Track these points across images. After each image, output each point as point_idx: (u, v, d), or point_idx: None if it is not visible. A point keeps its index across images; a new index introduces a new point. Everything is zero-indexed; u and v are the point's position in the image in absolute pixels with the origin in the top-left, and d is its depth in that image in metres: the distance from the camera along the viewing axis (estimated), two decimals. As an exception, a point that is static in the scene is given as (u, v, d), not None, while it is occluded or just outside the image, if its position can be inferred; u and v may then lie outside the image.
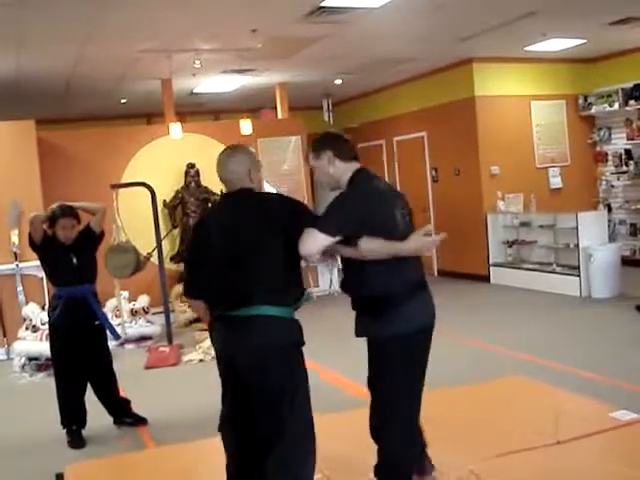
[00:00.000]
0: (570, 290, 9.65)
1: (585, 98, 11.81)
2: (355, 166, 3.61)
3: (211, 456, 4.60)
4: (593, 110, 11.69)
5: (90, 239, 5.66)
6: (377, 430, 3.62)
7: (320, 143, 3.65)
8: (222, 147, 11.23)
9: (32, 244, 5.53)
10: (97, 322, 5.63)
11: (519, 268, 10.76)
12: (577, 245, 9.63)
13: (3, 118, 9.31)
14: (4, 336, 8.72)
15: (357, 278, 3.51)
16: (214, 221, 3.57)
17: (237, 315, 3.36)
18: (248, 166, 3.52)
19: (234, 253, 3.40)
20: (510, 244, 11.06)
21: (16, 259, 8.68)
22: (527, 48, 10.24)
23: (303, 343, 3.46)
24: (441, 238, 3.53)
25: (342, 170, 3.59)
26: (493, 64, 11.09)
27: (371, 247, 3.36)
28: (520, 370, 6.11)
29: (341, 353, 7.36)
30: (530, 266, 10.66)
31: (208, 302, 3.57)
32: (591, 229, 9.65)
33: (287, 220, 3.41)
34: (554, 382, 5.60)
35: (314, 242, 3.32)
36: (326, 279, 11.42)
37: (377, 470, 3.69)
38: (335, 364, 6.96)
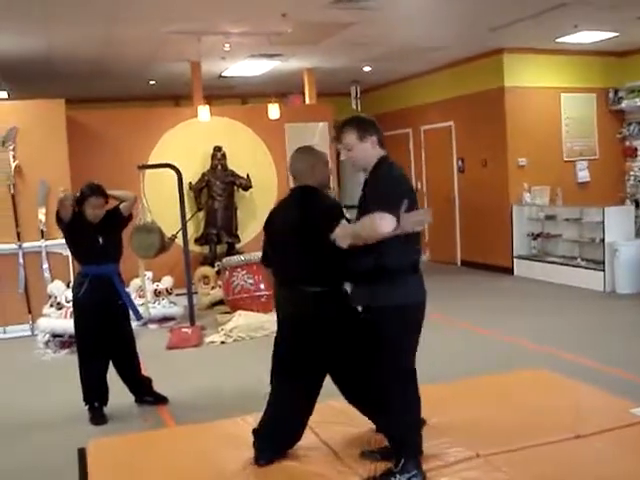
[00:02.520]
0: (594, 285, 9.59)
1: (615, 92, 11.68)
2: (381, 152, 3.88)
3: (230, 436, 4.64)
4: (623, 104, 11.56)
5: (117, 220, 5.73)
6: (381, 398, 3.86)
7: (367, 126, 3.86)
8: (249, 131, 11.28)
9: (60, 221, 5.57)
10: (120, 301, 5.68)
11: (543, 261, 10.70)
12: (602, 240, 9.56)
13: (34, 96, 9.38)
14: (29, 312, 8.82)
15: (372, 249, 3.64)
16: (276, 211, 4.28)
17: (286, 288, 4.11)
18: (307, 165, 4.12)
19: (284, 242, 4.11)
20: (535, 237, 11.00)
21: (42, 237, 8.77)
22: (558, 40, 10.14)
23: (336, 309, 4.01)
24: (425, 213, 3.83)
25: (376, 155, 3.84)
26: (524, 55, 10.99)
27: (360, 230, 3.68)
28: (541, 363, 6.09)
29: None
30: (554, 259, 10.59)
31: (273, 274, 4.30)
32: (617, 224, 9.58)
33: (322, 223, 3.85)
34: (575, 376, 5.58)
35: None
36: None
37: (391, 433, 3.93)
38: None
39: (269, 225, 4.27)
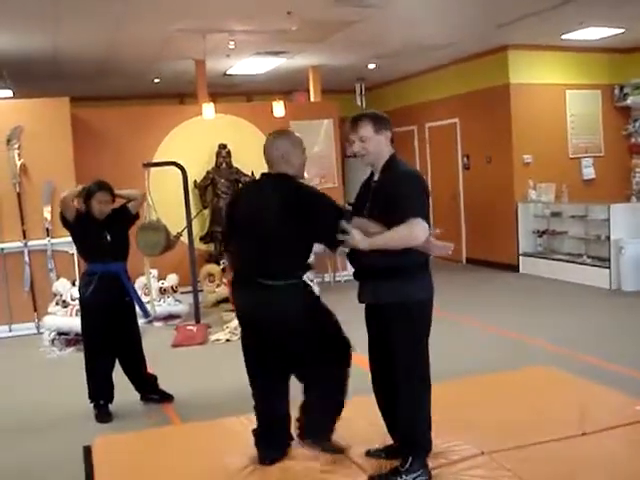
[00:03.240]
0: (600, 282, 9.58)
1: (621, 88, 11.65)
2: (392, 150, 3.90)
3: (235, 434, 4.64)
4: (629, 101, 11.53)
5: (124, 218, 5.75)
6: (402, 390, 3.82)
7: (383, 120, 3.89)
8: (254, 128, 11.28)
9: (64, 221, 5.59)
10: (127, 299, 5.69)
11: (549, 258, 10.68)
12: (608, 237, 9.54)
13: (39, 95, 9.39)
14: (34, 310, 8.84)
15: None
16: (243, 197, 4.17)
17: (252, 281, 3.88)
18: (284, 151, 3.92)
19: (250, 230, 3.90)
20: (540, 234, 10.99)
21: (48, 235, 8.79)
22: (564, 36, 10.11)
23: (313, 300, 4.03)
24: (450, 247, 3.79)
25: (386, 152, 3.86)
26: (529, 52, 10.97)
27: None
28: (547, 360, 6.08)
29: (363, 334, 7.38)
30: (560, 257, 10.57)
31: (231, 265, 4.15)
32: (623, 221, 9.56)
33: (301, 212, 3.80)
34: (581, 373, 5.57)
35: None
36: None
37: (401, 431, 3.94)
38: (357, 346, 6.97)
39: (233, 209, 4.10)
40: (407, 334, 3.75)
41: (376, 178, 3.91)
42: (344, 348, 4.09)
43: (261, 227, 3.86)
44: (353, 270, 3.95)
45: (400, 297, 3.71)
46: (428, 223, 3.65)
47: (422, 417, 3.86)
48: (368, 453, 4.14)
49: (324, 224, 3.79)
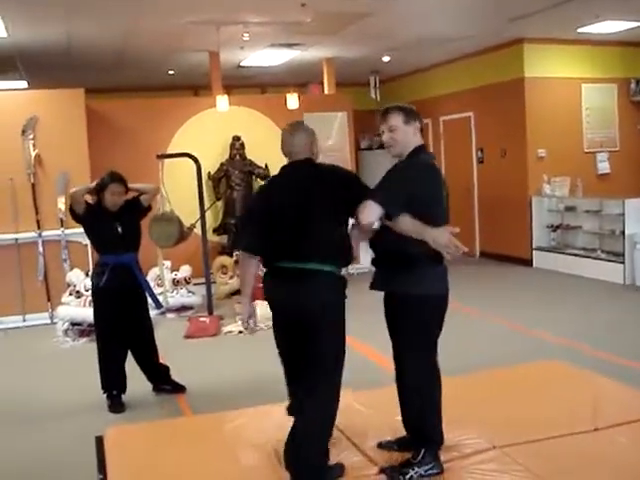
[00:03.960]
0: (614, 277, 9.54)
1: (637, 82, 11.57)
2: (421, 141, 3.95)
3: (247, 426, 4.65)
4: (645, 95, 11.47)
5: (136, 210, 5.76)
6: (409, 381, 3.87)
7: (412, 112, 3.95)
8: (268, 121, 11.28)
9: (74, 216, 5.62)
10: (140, 290, 5.71)
11: (563, 253, 10.64)
12: (623, 232, 9.49)
13: (53, 86, 9.42)
14: (48, 301, 8.88)
15: (400, 235, 3.68)
16: (276, 186, 4.02)
17: (290, 267, 3.78)
18: (307, 141, 3.95)
19: (292, 215, 3.79)
20: (554, 228, 10.94)
21: (62, 225, 8.82)
22: (580, 30, 10.04)
23: (344, 296, 3.88)
24: (463, 250, 3.60)
25: (413, 143, 3.88)
26: (544, 45, 10.90)
27: (405, 225, 3.65)
28: (559, 355, 6.07)
29: (377, 328, 7.38)
30: (574, 251, 10.53)
31: (264, 256, 3.92)
32: (638, 216, 9.48)
33: (340, 189, 3.82)
34: (594, 368, 5.55)
35: (370, 212, 3.63)
36: (368, 257, 11.39)
37: (412, 424, 3.96)
38: (371, 340, 6.97)
39: (269, 201, 3.91)
40: (417, 325, 3.78)
41: None
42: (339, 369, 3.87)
43: (301, 210, 3.78)
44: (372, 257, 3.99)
45: (412, 288, 3.73)
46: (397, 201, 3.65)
47: (432, 410, 3.87)
48: (380, 445, 4.14)
49: (358, 197, 3.71)
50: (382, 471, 3.87)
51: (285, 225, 3.79)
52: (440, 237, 3.55)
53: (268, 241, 3.82)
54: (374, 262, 3.96)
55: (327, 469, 3.83)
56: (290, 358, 3.94)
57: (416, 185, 3.71)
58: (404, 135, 3.85)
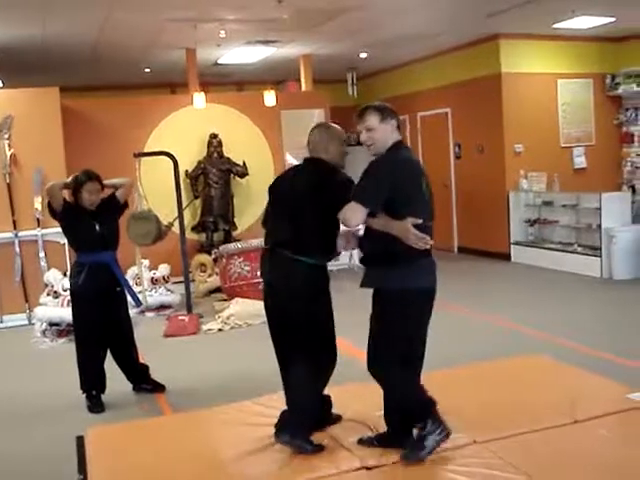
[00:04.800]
0: (591, 271, 9.61)
1: (612, 78, 11.67)
2: (399, 137, 4.02)
3: (227, 423, 4.64)
4: (620, 90, 11.55)
5: (113, 208, 5.72)
6: (386, 369, 3.93)
7: (388, 110, 4.01)
8: (246, 118, 11.22)
9: (52, 212, 5.57)
10: (119, 289, 5.68)
11: (540, 247, 10.71)
12: (599, 226, 9.57)
13: (28, 85, 9.34)
14: (26, 301, 8.82)
15: (384, 232, 3.77)
16: (282, 177, 4.45)
17: (272, 252, 4.16)
18: (322, 140, 4.23)
19: (284, 206, 4.16)
20: (532, 223, 11.00)
21: (39, 225, 8.76)
22: (555, 25, 10.10)
23: (318, 286, 4.16)
24: (427, 241, 3.77)
25: (393, 139, 3.96)
26: (520, 41, 10.97)
27: (374, 221, 3.79)
28: (538, 349, 6.10)
29: (355, 325, 7.39)
30: (551, 246, 10.60)
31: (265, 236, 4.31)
32: (614, 210, 9.58)
33: (328, 192, 4.02)
34: (572, 362, 5.58)
35: (353, 213, 3.75)
36: (346, 253, 11.41)
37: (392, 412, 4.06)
38: (349, 337, 6.98)
39: (274, 189, 4.33)
40: (395, 319, 3.84)
41: None
42: (328, 353, 4.21)
43: (291, 203, 4.12)
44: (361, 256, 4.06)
45: (396, 284, 3.80)
46: (398, 208, 3.74)
47: (412, 390, 3.95)
48: (360, 441, 4.15)
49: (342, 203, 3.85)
50: (401, 459, 3.89)
51: (274, 213, 4.26)
52: (402, 229, 3.69)
53: (266, 225, 4.30)
54: (362, 261, 4.01)
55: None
56: (275, 342, 4.27)
57: (394, 178, 3.78)
58: (382, 133, 3.92)
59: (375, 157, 3.92)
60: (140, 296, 7.81)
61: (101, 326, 5.58)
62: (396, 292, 3.81)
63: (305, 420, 4.10)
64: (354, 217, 3.75)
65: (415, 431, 3.95)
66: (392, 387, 3.97)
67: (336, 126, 4.44)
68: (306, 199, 4.07)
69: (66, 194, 5.62)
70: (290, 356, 4.16)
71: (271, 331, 4.29)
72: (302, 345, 4.10)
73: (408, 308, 3.84)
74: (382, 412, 4.10)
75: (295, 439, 4.01)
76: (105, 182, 5.67)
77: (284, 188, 4.25)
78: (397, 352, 3.87)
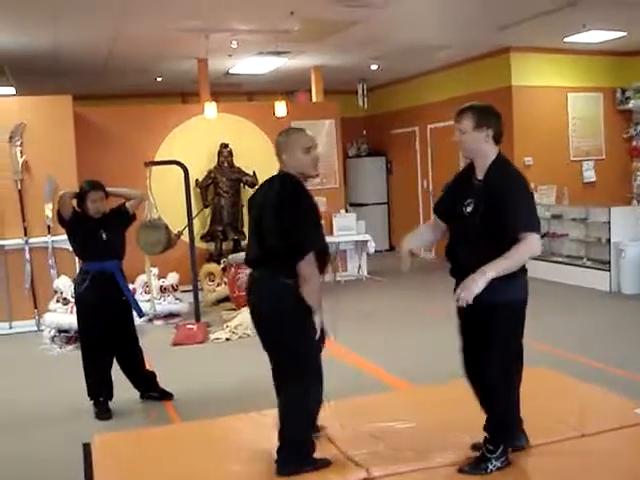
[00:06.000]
0: (600, 285, 9.59)
1: (623, 92, 11.67)
2: (496, 149, 3.78)
3: (235, 432, 4.65)
4: (630, 104, 11.54)
5: (122, 218, 5.76)
6: (494, 388, 3.83)
7: (487, 117, 3.76)
8: (256, 128, 11.29)
9: (61, 220, 5.63)
10: (124, 298, 5.70)
11: (549, 261, 10.67)
12: (609, 240, 9.55)
13: (41, 93, 9.41)
14: (35, 308, 8.85)
15: (492, 244, 3.63)
16: (259, 189, 4.22)
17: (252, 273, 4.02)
18: (279, 150, 4.08)
19: (250, 223, 4.08)
20: (541, 236, 10.96)
21: (49, 232, 8.80)
22: (566, 39, 10.12)
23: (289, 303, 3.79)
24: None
25: (488, 151, 3.76)
26: (531, 54, 10.98)
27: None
28: (545, 363, 6.08)
29: (365, 336, 7.41)
30: (560, 259, 10.58)
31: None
32: (623, 224, 9.57)
33: (274, 217, 3.77)
34: (580, 376, 5.57)
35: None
36: (355, 264, 11.44)
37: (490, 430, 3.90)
38: (359, 348, 6.99)
39: (249, 203, 4.20)
40: (507, 334, 3.75)
41: (480, 177, 3.81)
42: (313, 372, 3.93)
43: (253, 221, 4.00)
44: (450, 267, 3.93)
45: (502, 296, 3.65)
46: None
47: (511, 407, 3.89)
48: (475, 447, 4.09)
49: (289, 239, 3.72)
50: (460, 471, 3.85)
51: (249, 229, 4.15)
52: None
53: None
54: (453, 273, 3.90)
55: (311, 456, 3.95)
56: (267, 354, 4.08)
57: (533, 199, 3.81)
58: (472, 141, 3.76)
59: (507, 177, 3.71)
60: (148, 304, 7.87)
61: (105, 333, 5.59)
62: (508, 304, 3.70)
63: (303, 448, 3.96)
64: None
65: (484, 448, 3.87)
66: (498, 400, 3.87)
67: (299, 130, 4.17)
68: (267, 220, 3.81)
69: (75, 203, 5.66)
70: (278, 381, 4.04)
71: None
72: (286, 368, 3.95)
73: (520, 319, 3.81)
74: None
75: (302, 469, 3.90)
76: (111, 190, 5.71)
77: (254, 203, 4.06)
78: (505, 367, 3.80)
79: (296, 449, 3.93)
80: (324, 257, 3.87)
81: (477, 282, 3.51)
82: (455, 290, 3.72)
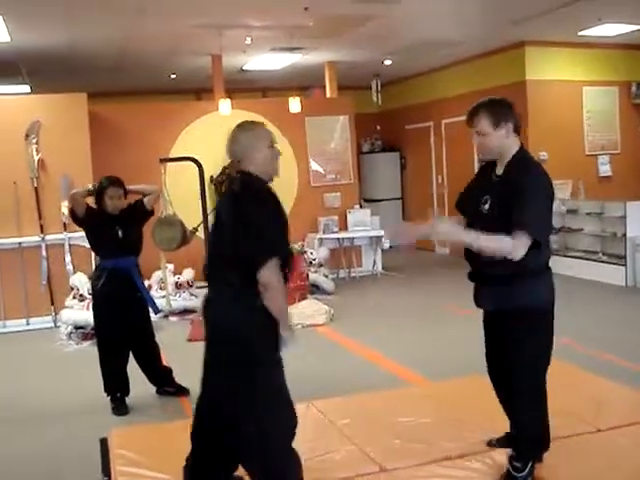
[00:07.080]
0: (615, 279, 9.55)
1: (638, 85, 11.60)
2: (518, 140, 3.61)
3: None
4: (646, 98, 11.50)
5: (139, 214, 5.78)
6: (520, 397, 3.65)
7: (503, 112, 3.55)
8: (270, 124, 11.29)
9: (75, 218, 5.66)
10: (139, 294, 5.73)
11: (564, 255, 10.64)
12: (624, 234, 9.52)
13: (56, 91, 9.46)
14: (52, 304, 8.91)
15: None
16: (226, 192, 3.72)
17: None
18: (245, 145, 3.49)
19: (211, 235, 3.61)
20: (556, 231, 10.94)
21: (65, 229, 8.85)
22: (581, 33, 10.07)
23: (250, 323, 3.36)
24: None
25: (511, 144, 3.57)
26: (546, 48, 10.94)
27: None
28: (561, 357, 6.04)
29: (380, 331, 7.41)
30: (576, 254, 10.54)
31: None
32: (639, 219, 9.52)
33: (235, 224, 3.33)
34: (595, 370, 5.56)
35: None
36: (369, 260, 11.43)
37: (516, 441, 3.74)
38: (375, 343, 6.99)
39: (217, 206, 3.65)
40: (534, 339, 3.54)
41: (499, 172, 3.62)
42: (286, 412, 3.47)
43: (211, 232, 3.60)
44: (469, 270, 3.74)
45: (527, 300, 3.50)
46: (547, 227, 3.58)
47: (539, 419, 3.71)
48: (490, 443, 4.05)
49: (245, 246, 3.25)
50: None
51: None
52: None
53: None
54: (472, 277, 3.75)
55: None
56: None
57: (551, 203, 3.64)
58: (495, 140, 3.53)
59: (524, 173, 3.50)
60: (164, 300, 7.90)
61: (121, 329, 5.62)
62: (536, 308, 3.52)
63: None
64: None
65: (510, 466, 3.68)
66: (524, 412, 3.68)
67: (261, 124, 3.68)
68: (221, 227, 3.42)
69: (89, 201, 5.69)
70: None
71: None
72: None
73: (548, 322, 3.60)
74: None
75: None
76: (130, 187, 5.73)
77: (218, 209, 3.57)
78: (531, 376, 3.62)
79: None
80: (287, 266, 3.38)
81: (451, 231, 3.49)
82: (475, 296, 3.64)
